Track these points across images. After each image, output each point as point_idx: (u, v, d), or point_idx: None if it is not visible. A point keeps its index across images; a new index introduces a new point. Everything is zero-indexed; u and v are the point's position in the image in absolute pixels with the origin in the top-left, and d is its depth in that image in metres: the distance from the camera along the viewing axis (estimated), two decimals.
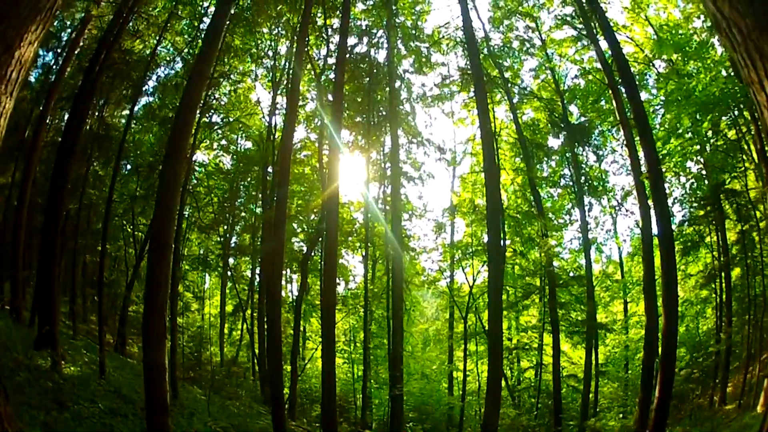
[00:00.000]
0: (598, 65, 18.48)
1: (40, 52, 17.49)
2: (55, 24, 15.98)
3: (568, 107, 21.33)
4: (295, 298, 22.76)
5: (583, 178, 20.57)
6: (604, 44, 16.44)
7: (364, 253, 21.78)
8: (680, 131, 15.59)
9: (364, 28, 21.62)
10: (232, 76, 20.70)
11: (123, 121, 20.70)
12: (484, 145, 15.76)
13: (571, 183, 20.96)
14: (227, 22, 14.25)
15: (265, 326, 18.14)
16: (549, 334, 18.92)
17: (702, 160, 16.92)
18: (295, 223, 22.05)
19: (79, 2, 16.37)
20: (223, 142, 24.04)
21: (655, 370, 11.95)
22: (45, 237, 12.70)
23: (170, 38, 19.09)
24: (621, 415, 17.49)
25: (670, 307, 11.74)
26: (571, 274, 19.45)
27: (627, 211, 20.92)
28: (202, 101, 14.85)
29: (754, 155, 15.70)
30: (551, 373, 18.26)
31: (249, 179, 23.31)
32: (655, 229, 13.31)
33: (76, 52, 17.43)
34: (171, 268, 9.85)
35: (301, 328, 21.91)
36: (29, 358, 10.19)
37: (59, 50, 18.52)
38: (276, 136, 20.33)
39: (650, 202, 13.61)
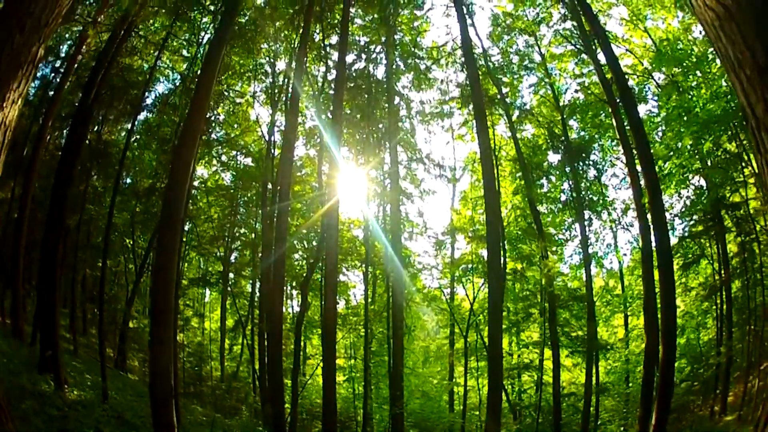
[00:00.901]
0: (597, 78, 18.97)
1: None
2: (52, 36, 16.14)
3: (568, 122, 21.43)
4: (295, 313, 23.05)
5: (582, 192, 20.82)
6: (603, 58, 16.89)
7: (364, 271, 22.00)
8: (681, 150, 15.89)
9: (362, 44, 21.88)
10: (230, 94, 21.06)
11: (123, 134, 20.94)
12: (484, 165, 16.06)
13: (571, 198, 21.12)
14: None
15: (266, 343, 18.46)
16: (549, 348, 18.97)
17: (703, 174, 17.10)
18: (296, 240, 22.16)
19: (77, 24, 16.72)
20: (223, 158, 24.08)
21: (656, 384, 12.34)
22: (45, 251, 12.90)
23: (168, 56, 19.52)
24: (622, 429, 17.77)
25: (668, 326, 12.09)
26: (572, 295, 19.43)
27: (627, 225, 21.31)
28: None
29: (754, 165, 15.95)
30: (552, 388, 18.38)
31: (249, 194, 23.41)
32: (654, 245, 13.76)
33: (74, 66, 17.48)
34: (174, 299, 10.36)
35: (302, 345, 21.97)
36: (33, 383, 10.37)
37: (58, 65, 18.57)
38: (275, 153, 20.58)
39: (649, 219, 13.99)
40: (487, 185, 15.71)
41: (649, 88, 21.02)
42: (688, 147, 15.70)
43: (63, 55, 18.85)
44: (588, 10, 16.93)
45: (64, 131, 18.96)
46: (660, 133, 18.49)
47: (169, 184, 11.01)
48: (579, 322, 19.54)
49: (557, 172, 22.10)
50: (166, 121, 18.90)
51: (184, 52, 19.89)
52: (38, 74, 18.43)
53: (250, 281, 24.34)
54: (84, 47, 17.60)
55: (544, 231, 20.60)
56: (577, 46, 20.20)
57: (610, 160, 21.93)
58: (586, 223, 20.79)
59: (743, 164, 15.69)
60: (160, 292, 9.94)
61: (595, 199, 21.30)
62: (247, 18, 17.94)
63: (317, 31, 20.07)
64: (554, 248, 21.83)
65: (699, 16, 3.41)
